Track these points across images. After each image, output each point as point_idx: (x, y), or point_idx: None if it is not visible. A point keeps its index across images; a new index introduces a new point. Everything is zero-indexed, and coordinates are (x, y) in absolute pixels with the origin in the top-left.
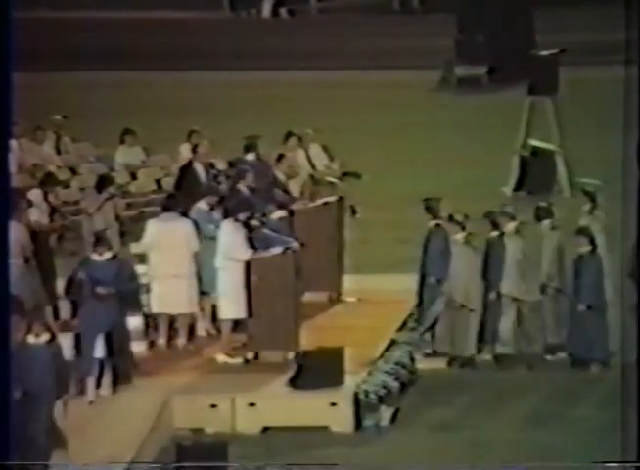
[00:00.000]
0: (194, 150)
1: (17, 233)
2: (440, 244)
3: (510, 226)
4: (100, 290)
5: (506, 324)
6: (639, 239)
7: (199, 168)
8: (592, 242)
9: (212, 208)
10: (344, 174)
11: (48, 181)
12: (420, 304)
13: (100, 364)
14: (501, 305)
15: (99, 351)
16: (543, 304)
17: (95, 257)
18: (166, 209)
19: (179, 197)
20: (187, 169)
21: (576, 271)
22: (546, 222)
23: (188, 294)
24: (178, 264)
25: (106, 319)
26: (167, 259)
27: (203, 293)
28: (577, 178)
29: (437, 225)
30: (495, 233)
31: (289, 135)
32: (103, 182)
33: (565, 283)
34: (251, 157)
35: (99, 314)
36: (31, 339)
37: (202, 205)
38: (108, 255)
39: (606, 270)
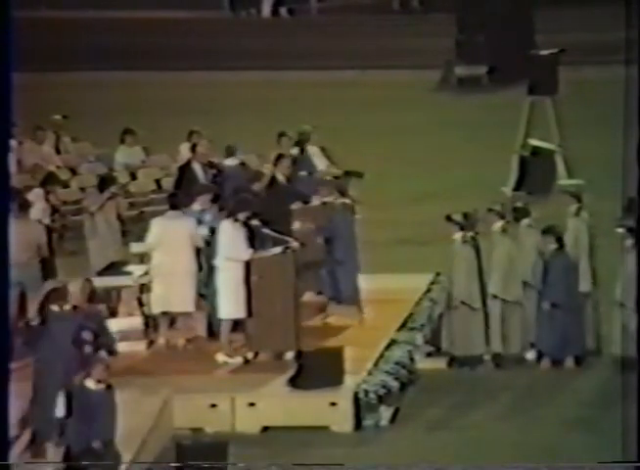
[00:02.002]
0: (192, 149)
1: (33, 232)
2: (344, 223)
3: (497, 225)
4: (85, 335)
5: (494, 324)
6: (639, 238)
7: (197, 168)
8: (559, 240)
9: (204, 209)
10: (347, 173)
11: (49, 181)
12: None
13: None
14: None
15: (60, 409)
16: (524, 304)
17: (54, 308)
18: (173, 207)
19: (182, 195)
20: (185, 169)
21: (544, 269)
22: (524, 222)
23: (190, 292)
24: (182, 262)
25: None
26: (171, 258)
27: (202, 294)
28: (558, 181)
29: (344, 204)
30: (470, 233)
31: (281, 135)
32: (105, 182)
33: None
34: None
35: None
36: (90, 384)
37: (195, 206)
38: (67, 307)
39: (584, 269)
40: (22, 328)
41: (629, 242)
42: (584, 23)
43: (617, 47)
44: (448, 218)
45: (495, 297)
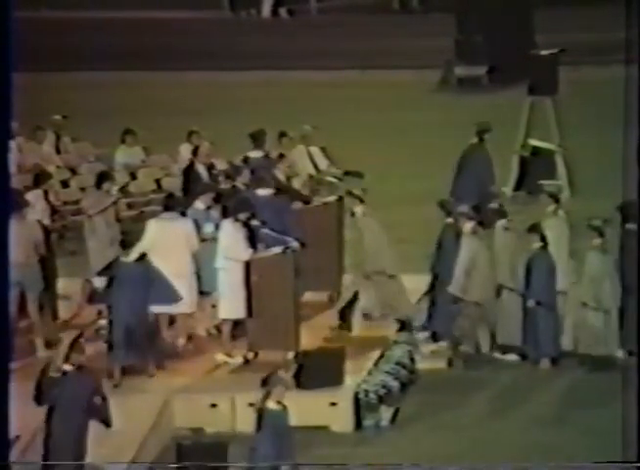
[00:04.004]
0: (195, 151)
1: (31, 231)
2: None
3: (467, 226)
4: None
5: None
6: None
7: (201, 169)
8: (543, 239)
9: (209, 207)
10: (347, 173)
11: (42, 179)
12: None
13: None
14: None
15: None
16: (495, 304)
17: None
18: (168, 208)
19: (179, 196)
20: (190, 171)
21: (527, 268)
22: (500, 223)
23: (188, 294)
24: (178, 264)
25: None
26: (168, 259)
27: (202, 293)
28: (539, 181)
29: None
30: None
31: (282, 135)
32: (102, 179)
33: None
34: (257, 154)
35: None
36: (271, 405)
37: (198, 204)
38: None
39: (567, 269)
40: (41, 382)
41: (597, 241)
42: (584, 23)
43: (617, 47)
44: (349, 193)
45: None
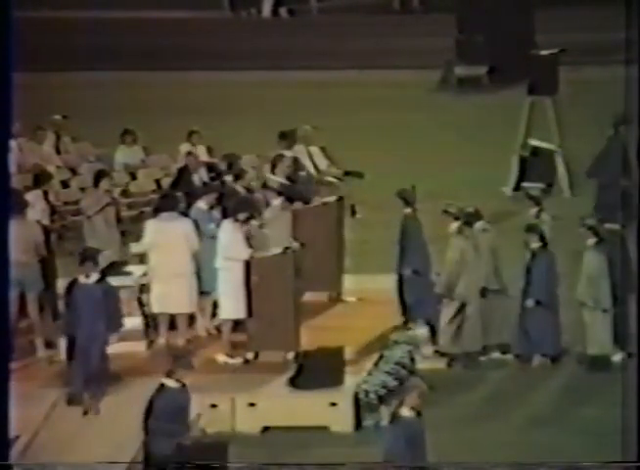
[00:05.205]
0: (189, 153)
1: (31, 231)
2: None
3: (453, 226)
4: None
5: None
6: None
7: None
8: (542, 238)
9: (212, 207)
10: (347, 173)
11: (42, 179)
12: None
13: None
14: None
15: None
16: (484, 304)
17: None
18: (157, 210)
19: (172, 197)
20: (185, 170)
21: (527, 267)
22: (478, 225)
23: (188, 293)
24: (178, 264)
25: None
26: (167, 259)
27: (203, 293)
28: (524, 183)
29: None
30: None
31: (282, 136)
32: (99, 177)
33: (504, 282)
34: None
35: None
36: (404, 412)
37: (200, 204)
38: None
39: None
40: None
41: (591, 241)
42: (584, 23)
43: (617, 47)
44: (264, 186)
45: (443, 296)
